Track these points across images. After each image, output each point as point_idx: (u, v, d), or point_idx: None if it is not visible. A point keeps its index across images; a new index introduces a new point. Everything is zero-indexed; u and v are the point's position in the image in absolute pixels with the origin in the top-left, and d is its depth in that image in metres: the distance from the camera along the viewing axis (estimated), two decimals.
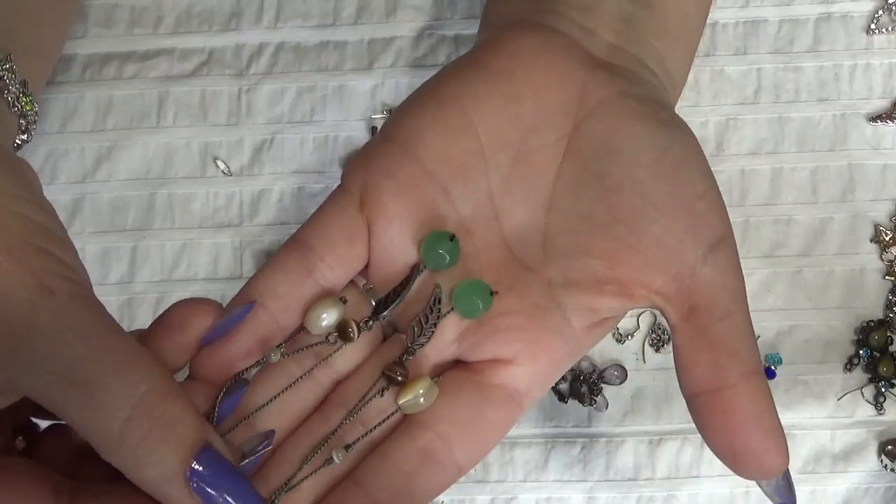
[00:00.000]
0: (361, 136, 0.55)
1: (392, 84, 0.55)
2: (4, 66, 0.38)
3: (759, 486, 0.36)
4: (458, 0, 0.56)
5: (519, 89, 0.36)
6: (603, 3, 0.38)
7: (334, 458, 0.34)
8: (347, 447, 0.34)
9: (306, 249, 0.36)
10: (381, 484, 0.34)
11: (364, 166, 0.36)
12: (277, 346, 0.35)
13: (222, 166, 0.54)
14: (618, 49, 0.39)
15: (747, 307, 0.36)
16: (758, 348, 0.36)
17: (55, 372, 0.28)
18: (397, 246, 0.35)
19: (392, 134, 0.36)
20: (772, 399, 0.35)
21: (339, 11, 0.56)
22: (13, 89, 0.39)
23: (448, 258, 0.35)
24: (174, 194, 0.54)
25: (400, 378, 0.35)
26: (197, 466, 0.30)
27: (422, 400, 0.34)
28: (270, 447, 0.33)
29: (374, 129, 0.54)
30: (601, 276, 0.35)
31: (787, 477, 0.36)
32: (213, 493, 0.30)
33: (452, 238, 0.35)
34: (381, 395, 0.35)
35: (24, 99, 0.40)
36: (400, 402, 0.34)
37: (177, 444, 0.30)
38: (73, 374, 0.28)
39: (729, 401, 0.35)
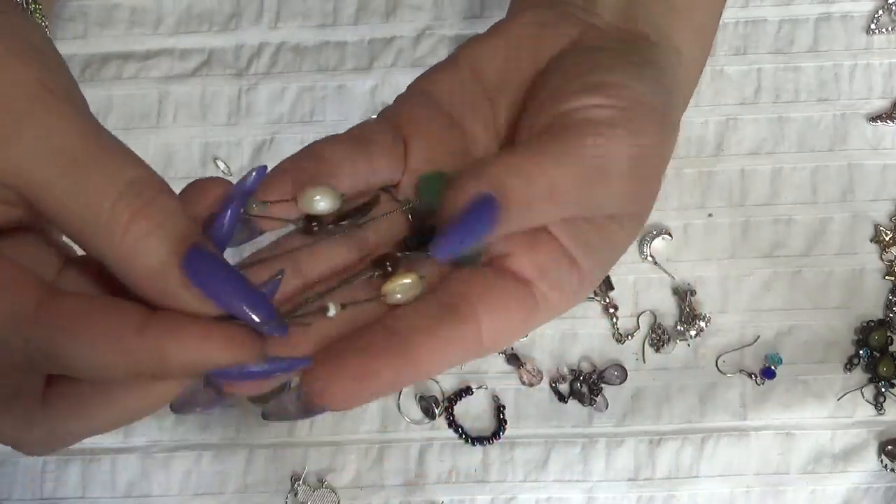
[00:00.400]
0: None
1: (392, 84, 0.55)
2: None
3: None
4: (457, 0, 0.56)
5: (521, 42, 0.40)
6: None
7: (330, 308, 0.33)
8: (343, 305, 0.33)
9: (359, 134, 0.38)
10: (406, 324, 0.34)
11: (394, 106, 0.40)
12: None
13: (222, 166, 0.54)
14: (624, 29, 0.41)
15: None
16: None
17: (52, 153, 0.29)
18: (429, 160, 0.38)
19: (414, 85, 0.40)
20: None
21: (339, 11, 0.56)
22: None
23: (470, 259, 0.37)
24: None
25: (389, 268, 0.35)
26: (193, 259, 0.30)
27: (402, 295, 0.35)
28: (281, 278, 0.33)
29: None
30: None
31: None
32: (213, 287, 0.30)
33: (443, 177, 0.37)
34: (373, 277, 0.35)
35: (34, 5, 0.41)
36: (384, 289, 0.34)
37: (169, 229, 0.30)
38: (68, 154, 0.29)
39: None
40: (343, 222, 0.36)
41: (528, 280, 0.36)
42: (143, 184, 0.30)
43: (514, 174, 0.34)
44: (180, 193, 0.33)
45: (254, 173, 0.33)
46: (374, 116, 0.54)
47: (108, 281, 0.32)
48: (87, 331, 0.30)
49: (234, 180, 0.54)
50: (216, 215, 0.32)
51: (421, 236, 0.37)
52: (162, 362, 0.30)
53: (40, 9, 0.41)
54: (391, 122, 0.38)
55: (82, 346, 0.30)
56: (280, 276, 0.33)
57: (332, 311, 0.33)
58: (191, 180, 0.55)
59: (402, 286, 0.35)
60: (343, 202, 0.35)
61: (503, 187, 0.34)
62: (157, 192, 0.30)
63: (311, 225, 0.35)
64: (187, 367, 0.30)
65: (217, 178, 0.34)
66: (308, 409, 0.33)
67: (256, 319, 0.30)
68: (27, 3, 0.40)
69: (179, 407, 0.34)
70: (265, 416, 0.35)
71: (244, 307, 0.30)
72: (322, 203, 0.34)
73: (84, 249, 0.31)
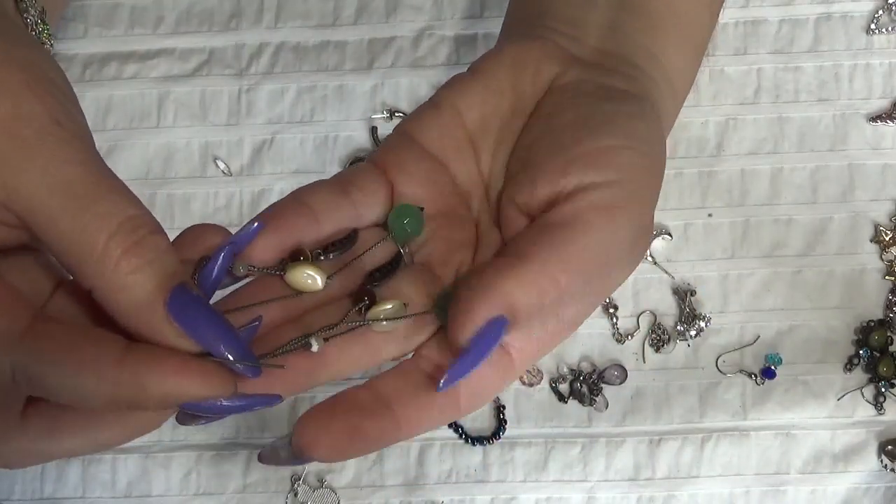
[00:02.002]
0: (361, 136, 0.55)
1: (392, 84, 0.55)
2: None
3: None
4: (457, 0, 0.56)
5: (501, 86, 0.41)
6: (589, 14, 0.43)
7: (312, 343, 0.35)
8: (326, 339, 0.35)
9: (342, 179, 0.40)
10: (391, 388, 0.36)
11: (380, 151, 0.41)
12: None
13: (222, 166, 0.54)
14: (604, 52, 0.42)
15: (601, 242, 0.37)
16: (572, 278, 0.37)
17: (56, 185, 0.31)
18: (416, 202, 0.40)
19: (400, 128, 0.41)
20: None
21: (339, 11, 0.56)
22: (33, 13, 0.42)
23: (409, 231, 0.38)
24: (174, 194, 0.54)
25: (366, 300, 0.37)
26: (178, 298, 0.31)
27: (386, 321, 0.36)
28: (259, 324, 0.35)
29: (373, 128, 0.54)
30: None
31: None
32: (194, 325, 0.31)
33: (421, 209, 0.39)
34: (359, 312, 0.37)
35: (42, 26, 0.42)
36: (370, 315, 0.36)
37: (157, 266, 0.31)
38: (72, 188, 0.31)
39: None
40: (325, 255, 0.37)
41: (503, 343, 0.37)
42: (137, 223, 0.32)
43: (525, 290, 0.35)
44: (180, 234, 0.35)
45: (254, 225, 0.36)
46: (374, 115, 0.55)
47: (96, 306, 0.33)
48: (69, 357, 0.31)
49: (234, 180, 0.54)
50: (207, 259, 0.34)
51: (387, 267, 0.38)
52: (139, 392, 0.31)
53: (48, 28, 0.42)
54: (377, 167, 0.40)
55: (64, 372, 0.31)
56: (258, 322, 0.35)
57: (315, 347, 0.35)
58: (191, 180, 0.55)
59: (386, 312, 0.36)
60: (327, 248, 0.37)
61: (514, 308, 0.35)
62: (149, 232, 0.32)
63: (299, 258, 0.37)
64: (163, 399, 0.31)
65: (216, 226, 0.35)
66: (297, 456, 0.35)
67: (231, 358, 0.32)
68: (36, 23, 0.42)
69: (184, 418, 0.35)
70: (260, 459, 0.37)
71: (221, 346, 0.32)
72: (309, 281, 0.36)
73: (76, 278, 0.32)
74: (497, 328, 0.34)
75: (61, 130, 0.32)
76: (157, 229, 0.32)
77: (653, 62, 0.42)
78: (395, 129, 0.42)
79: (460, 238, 0.40)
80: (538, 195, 0.37)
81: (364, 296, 0.37)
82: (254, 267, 0.36)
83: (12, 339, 0.31)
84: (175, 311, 0.31)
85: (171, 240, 0.34)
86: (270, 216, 0.37)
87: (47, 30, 0.42)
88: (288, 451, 0.36)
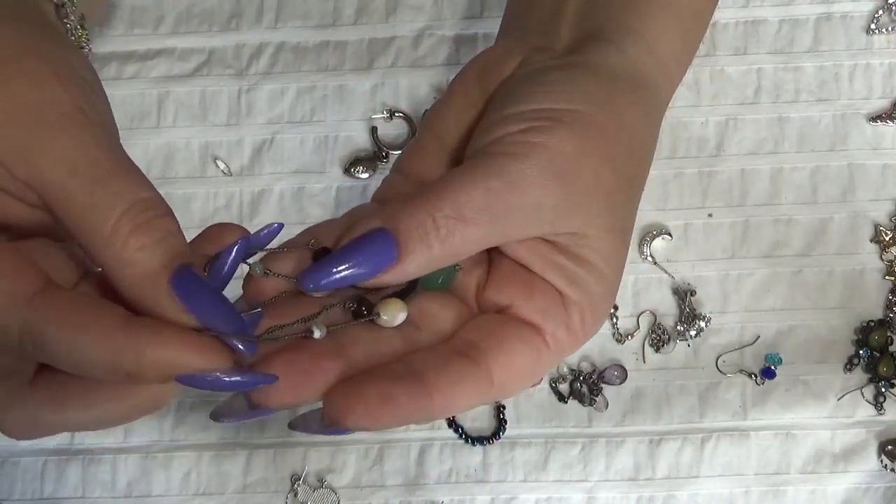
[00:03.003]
0: (361, 136, 0.55)
1: (392, 84, 0.55)
2: None
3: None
4: (457, 0, 0.56)
5: (472, 98, 0.42)
6: (566, 6, 0.43)
7: (315, 330, 0.35)
8: (330, 326, 0.36)
9: (350, 215, 0.41)
10: (422, 361, 0.36)
11: (379, 189, 0.43)
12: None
13: (222, 166, 0.54)
14: (577, 39, 0.42)
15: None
16: None
17: (75, 165, 0.33)
18: None
19: (393, 167, 0.43)
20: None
21: (339, 11, 0.56)
22: (73, 19, 0.43)
23: (440, 280, 0.39)
24: (174, 194, 0.54)
25: (364, 310, 0.37)
26: (181, 276, 0.33)
27: (388, 316, 0.37)
28: (261, 314, 0.36)
29: (373, 129, 0.54)
30: None
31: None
32: (196, 302, 0.33)
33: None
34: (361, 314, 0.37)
35: (81, 31, 0.44)
36: (378, 308, 0.37)
37: (164, 246, 0.33)
38: (89, 169, 0.33)
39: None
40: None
41: (535, 324, 0.38)
42: (149, 205, 0.33)
43: (404, 207, 0.37)
44: (201, 232, 0.37)
45: (270, 228, 0.37)
46: (374, 115, 0.55)
47: (117, 297, 0.34)
48: (74, 320, 0.32)
49: (234, 180, 0.54)
50: (221, 254, 0.35)
51: (402, 293, 0.38)
52: (139, 360, 0.32)
53: (87, 33, 0.44)
54: (380, 203, 0.42)
55: (68, 335, 0.32)
56: (260, 310, 0.36)
57: (317, 333, 0.35)
58: (191, 180, 0.55)
59: (390, 307, 0.37)
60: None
61: (393, 219, 0.36)
62: (159, 214, 0.33)
63: (316, 251, 0.38)
64: (160, 368, 0.32)
65: (236, 226, 0.36)
66: (329, 422, 0.35)
67: (228, 333, 0.33)
68: (75, 27, 0.44)
69: (218, 415, 0.36)
70: (290, 426, 0.37)
71: (220, 322, 0.33)
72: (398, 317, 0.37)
73: (88, 255, 0.34)
74: (381, 237, 0.36)
75: (84, 117, 0.34)
76: (168, 213, 0.34)
77: (629, 35, 0.42)
78: (392, 166, 0.43)
79: (473, 257, 0.40)
80: (468, 153, 0.39)
81: (362, 309, 0.37)
82: (270, 270, 0.37)
83: (21, 302, 0.32)
84: (178, 287, 0.33)
85: (192, 238, 0.36)
86: (284, 246, 0.38)
87: (86, 34, 0.44)
88: (320, 421, 0.36)
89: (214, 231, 0.36)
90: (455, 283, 0.40)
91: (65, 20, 0.43)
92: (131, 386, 0.34)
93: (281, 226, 0.37)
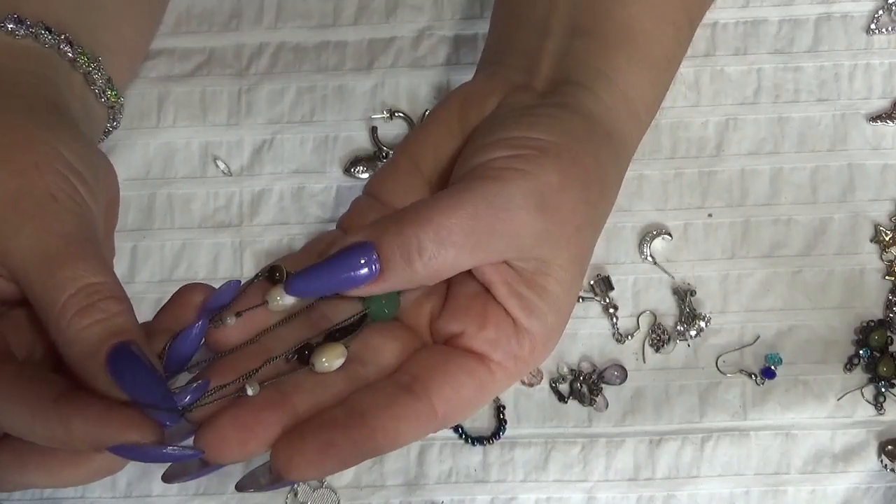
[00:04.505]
0: (361, 136, 0.55)
1: (392, 84, 0.55)
2: (92, 65, 0.46)
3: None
4: (457, 0, 0.56)
5: (451, 129, 0.44)
6: (543, 43, 0.45)
7: (248, 389, 0.37)
8: (262, 383, 0.37)
9: (308, 247, 0.43)
10: (364, 402, 0.38)
11: (346, 213, 0.44)
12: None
13: (222, 166, 0.54)
14: (553, 80, 0.44)
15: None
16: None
17: (38, 251, 0.37)
18: None
19: (365, 189, 0.45)
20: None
21: (339, 11, 0.56)
22: (100, 83, 0.46)
23: (388, 312, 0.40)
24: (174, 194, 0.54)
25: (307, 353, 0.39)
26: (116, 353, 0.36)
27: (328, 362, 0.38)
28: (207, 384, 0.38)
29: (373, 129, 0.54)
30: None
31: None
32: (127, 377, 0.35)
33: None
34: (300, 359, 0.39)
35: (110, 93, 0.47)
36: (313, 360, 0.38)
37: (105, 326, 0.36)
38: (49, 255, 0.37)
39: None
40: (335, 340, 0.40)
41: (483, 354, 0.40)
42: (96, 289, 0.37)
43: (391, 225, 0.38)
44: (170, 298, 0.39)
45: (229, 285, 0.39)
46: (374, 115, 0.55)
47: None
48: (13, 394, 0.36)
49: (234, 180, 0.54)
50: (182, 332, 0.38)
51: (350, 327, 0.40)
52: (66, 432, 0.35)
53: (115, 92, 0.48)
54: (343, 229, 0.43)
55: (6, 408, 0.36)
56: (207, 382, 0.37)
57: (250, 391, 0.37)
58: (191, 180, 0.55)
59: (328, 354, 0.38)
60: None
61: (379, 237, 0.38)
62: (104, 298, 0.37)
63: (275, 278, 0.39)
64: (88, 439, 0.35)
65: (200, 286, 0.39)
66: (276, 480, 0.37)
67: (153, 405, 0.35)
68: (104, 90, 0.47)
69: (170, 477, 0.39)
70: (238, 488, 0.39)
71: (146, 396, 0.35)
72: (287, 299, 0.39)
73: (47, 334, 0.38)
74: (363, 250, 0.37)
75: (55, 205, 0.38)
76: (115, 295, 0.37)
77: (604, 82, 0.44)
78: (364, 188, 0.45)
79: (429, 286, 0.41)
80: (453, 179, 0.41)
81: (305, 355, 0.39)
82: (240, 313, 0.39)
83: None
84: (113, 363, 0.36)
85: (162, 306, 0.39)
86: (245, 287, 0.40)
87: (115, 93, 0.47)
88: (267, 476, 0.37)
89: (180, 295, 0.39)
90: (408, 312, 0.41)
91: (92, 87, 0.46)
92: (81, 454, 0.37)
93: (238, 282, 0.39)
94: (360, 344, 0.40)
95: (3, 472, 0.38)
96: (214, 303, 0.39)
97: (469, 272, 0.40)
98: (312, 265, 0.38)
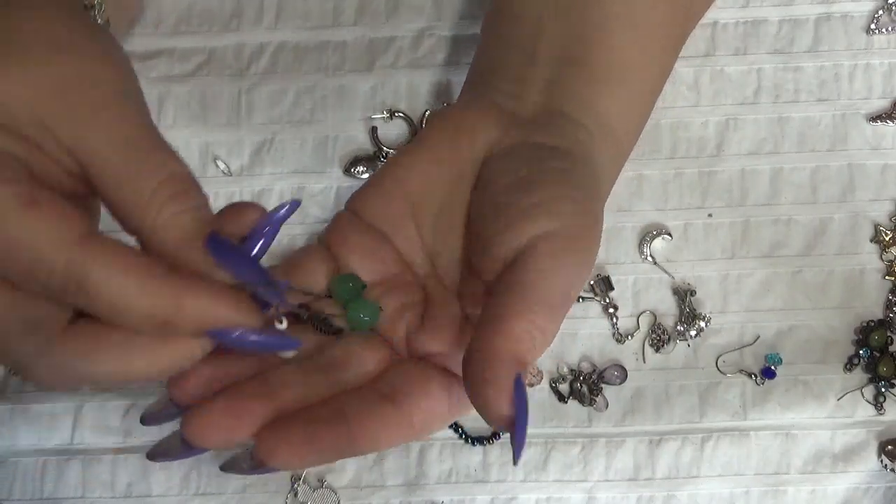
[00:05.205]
0: (361, 137, 0.55)
1: (392, 84, 0.55)
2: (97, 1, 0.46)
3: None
4: (457, 0, 0.56)
5: (441, 155, 0.44)
6: (531, 71, 0.46)
7: (280, 323, 0.37)
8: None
9: (286, 262, 0.45)
10: (347, 404, 0.39)
11: (326, 229, 0.45)
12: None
13: (222, 166, 0.54)
14: (542, 107, 0.45)
15: (558, 281, 0.41)
16: (551, 313, 0.40)
17: (117, 140, 0.35)
18: (355, 269, 0.44)
19: (347, 205, 0.45)
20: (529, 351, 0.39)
21: (339, 12, 0.56)
22: (100, 22, 0.46)
23: (368, 320, 0.42)
24: None
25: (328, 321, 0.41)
26: (212, 238, 0.35)
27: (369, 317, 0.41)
28: (287, 284, 0.38)
29: (373, 129, 0.54)
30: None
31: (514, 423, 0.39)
32: (227, 260, 0.35)
33: (363, 285, 0.43)
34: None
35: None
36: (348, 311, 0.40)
37: (199, 213, 0.36)
38: (130, 143, 0.35)
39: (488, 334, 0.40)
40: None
41: (457, 375, 0.41)
42: (184, 177, 0.36)
43: (519, 341, 0.38)
44: (220, 211, 0.38)
45: (289, 205, 0.38)
46: (374, 115, 0.54)
47: None
48: (119, 264, 0.34)
49: (234, 180, 0.54)
50: (249, 237, 0.37)
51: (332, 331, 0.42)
52: (176, 309, 0.34)
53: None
54: (324, 244, 0.44)
55: (112, 277, 0.34)
56: (285, 282, 0.38)
57: (281, 326, 0.37)
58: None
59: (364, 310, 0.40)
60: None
61: (520, 358, 0.38)
62: (191, 186, 0.36)
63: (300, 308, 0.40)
64: (197, 320, 0.34)
65: (254, 204, 0.38)
66: (257, 464, 0.38)
67: (261, 283, 0.35)
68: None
69: (154, 454, 0.40)
70: (222, 468, 0.40)
71: (251, 277, 0.35)
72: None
73: (122, 221, 0.36)
74: (519, 384, 0.37)
75: (125, 96, 0.37)
76: (198, 186, 0.36)
77: (590, 113, 0.45)
78: (346, 204, 0.45)
79: (406, 302, 0.43)
80: (494, 260, 0.41)
81: (322, 322, 0.40)
82: (311, 292, 0.41)
83: (69, 241, 0.33)
84: (212, 248, 0.35)
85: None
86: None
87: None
88: (249, 461, 0.39)
89: (233, 211, 0.38)
90: (385, 324, 0.43)
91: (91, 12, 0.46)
92: (161, 340, 0.35)
93: (298, 202, 0.38)
94: (342, 350, 0.42)
95: (71, 361, 0.36)
96: (274, 220, 0.38)
97: (453, 293, 0.44)
98: (515, 427, 0.37)
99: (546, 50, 0.46)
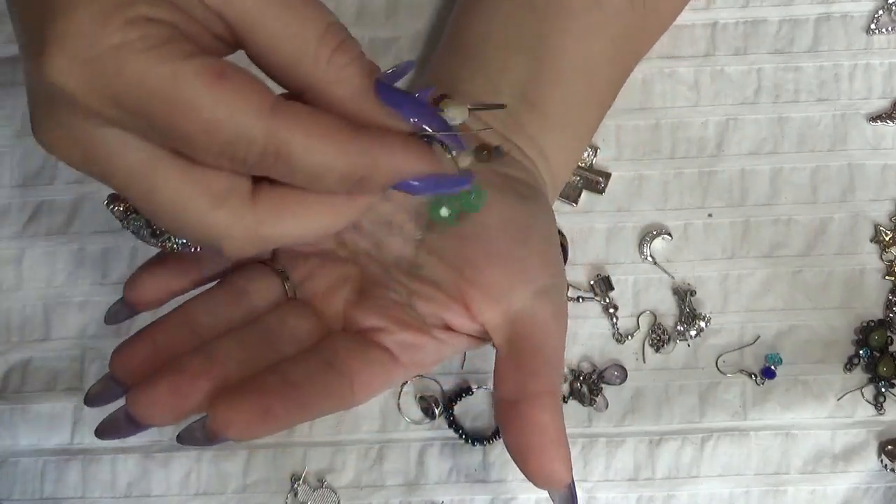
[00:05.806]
0: None
1: None
2: None
3: (549, 494, 0.44)
4: (457, 1, 0.56)
5: None
6: (495, 97, 0.47)
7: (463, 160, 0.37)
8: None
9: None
10: (296, 373, 0.41)
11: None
12: None
13: None
14: (504, 138, 0.46)
15: (560, 342, 0.44)
16: (560, 375, 0.44)
17: None
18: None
19: None
20: (561, 417, 0.42)
21: (339, 11, 0.56)
22: None
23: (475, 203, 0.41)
24: None
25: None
26: (381, 86, 0.35)
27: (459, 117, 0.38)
28: (411, 68, 0.38)
29: None
30: (449, 296, 0.44)
31: (570, 488, 0.43)
32: (399, 104, 0.35)
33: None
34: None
35: None
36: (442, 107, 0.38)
37: (362, 63, 0.34)
38: None
39: (524, 410, 0.42)
40: None
41: (392, 352, 0.43)
42: (339, 27, 0.34)
43: (554, 416, 0.42)
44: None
45: (401, 66, 0.37)
46: None
47: None
48: (315, 127, 0.33)
49: None
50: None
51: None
52: (372, 164, 0.34)
53: None
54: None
55: (313, 143, 0.33)
56: (433, 89, 0.37)
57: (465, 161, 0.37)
58: None
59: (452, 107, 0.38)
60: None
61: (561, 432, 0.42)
62: (348, 36, 0.35)
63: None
64: (389, 174, 0.34)
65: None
66: (211, 436, 0.39)
67: (439, 131, 0.35)
68: None
69: (101, 432, 0.42)
70: (178, 440, 0.41)
71: (429, 123, 0.35)
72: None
73: (284, 80, 0.35)
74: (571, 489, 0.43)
75: None
76: (351, 35, 0.35)
77: (539, 156, 0.47)
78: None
79: (340, 275, 0.45)
80: (493, 316, 0.43)
81: (496, 150, 0.39)
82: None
83: (265, 112, 0.33)
84: (383, 96, 0.35)
85: None
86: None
87: None
88: (202, 431, 0.39)
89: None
90: (321, 296, 0.44)
91: None
92: (343, 198, 0.35)
93: (412, 63, 0.38)
94: (277, 321, 0.43)
95: (259, 225, 0.35)
96: (394, 77, 0.37)
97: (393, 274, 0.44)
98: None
99: (508, 86, 0.47)
